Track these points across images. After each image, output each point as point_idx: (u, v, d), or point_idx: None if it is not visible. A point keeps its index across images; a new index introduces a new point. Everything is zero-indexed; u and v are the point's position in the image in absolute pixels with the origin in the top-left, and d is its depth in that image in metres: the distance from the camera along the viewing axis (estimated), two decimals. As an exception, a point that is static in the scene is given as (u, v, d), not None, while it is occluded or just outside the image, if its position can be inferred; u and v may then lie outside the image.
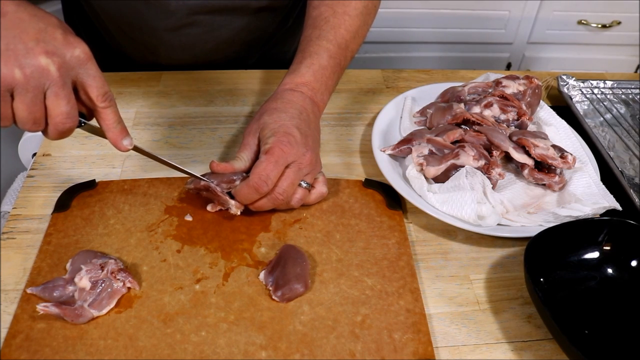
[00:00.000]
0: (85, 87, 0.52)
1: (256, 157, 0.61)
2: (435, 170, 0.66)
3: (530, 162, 0.68)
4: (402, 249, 0.61)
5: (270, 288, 0.56)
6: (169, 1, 0.78)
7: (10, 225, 0.61)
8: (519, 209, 0.66)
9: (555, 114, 0.78)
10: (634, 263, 0.60)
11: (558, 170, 0.69)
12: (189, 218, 0.62)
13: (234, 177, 0.60)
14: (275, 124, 0.61)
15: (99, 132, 0.56)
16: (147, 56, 0.89)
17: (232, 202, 0.60)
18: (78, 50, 0.50)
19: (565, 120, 0.77)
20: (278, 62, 0.96)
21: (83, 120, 0.54)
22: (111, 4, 0.83)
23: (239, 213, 0.61)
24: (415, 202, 0.64)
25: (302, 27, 0.73)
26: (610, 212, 0.65)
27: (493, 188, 0.65)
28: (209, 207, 0.63)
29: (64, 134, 0.53)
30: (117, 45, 0.90)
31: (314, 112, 0.65)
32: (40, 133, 0.53)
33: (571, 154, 0.68)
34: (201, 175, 0.61)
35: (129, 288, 0.55)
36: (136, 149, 0.58)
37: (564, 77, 0.89)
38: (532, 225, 0.63)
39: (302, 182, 0.61)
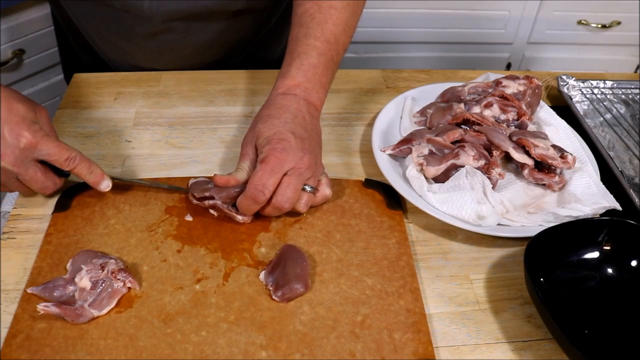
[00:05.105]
0: (48, 161, 0.59)
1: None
2: (435, 170, 0.66)
3: (530, 162, 0.68)
4: (402, 249, 0.61)
5: (271, 288, 0.56)
6: (143, 7, 0.78)
7: (11, 225, 0.61)
8: (519, 209, 0.66)
9: (555, 114, 0.78)
10: (634, 263, 0.60)
11: (558, 170, 0.69)
12: (189, 218, 0.62)
13: (238, 190, 0.60)
14: (270, 131, 0.61)
15: None
16: (128, 60, 0.89)
17: (239, 217, 0.61)
18: (23, 141, 0.56)
19: (565, 120, 0.77)
20: (264, 63, 0.95)
21: (65, 173, 0.61)
22: (89, 9, 0.83)
23: (248, 221, 0.62)
24: (415, 202, 0.64)
25: (288, 27, 0.72)
26: (610, 212, 0.65)
27: (493, 188, 0.65)
28: (212, 211, 0.63)
29: (51, 194, 0.63)
30: (100, 50, 0.91)
31: (310, 112, 0.65)
32: None
33: (571, 154, 0.68)
34: (204, 190, 0.62)
35: (129, 288, 0.55)
36: (117, 182, 0.64)
37: (564, 77, 0.89)
38: (532, 225, 0.63)
39: (305, 187, 0.61)
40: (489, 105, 0.74)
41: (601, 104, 0.87)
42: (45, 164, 0.59)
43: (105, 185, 0.62)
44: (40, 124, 0.59)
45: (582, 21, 1.70)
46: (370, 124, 0.78)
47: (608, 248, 0.61)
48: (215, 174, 0.61)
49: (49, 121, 0.61)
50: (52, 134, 0.60)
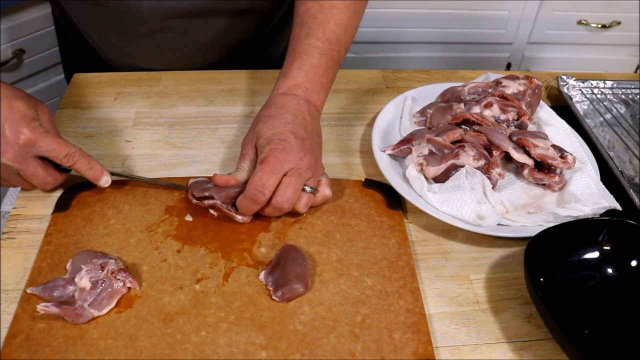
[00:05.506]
0: (48, 157, 0.59)
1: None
2: (435, 170, 0.66)
3: (530, 162, 0.68)
4: (402, 249, 0.61)
5: (271, 288, 0.56)
6: (142, 7, 0.78)
7: (11, 225, 0.61)
8: (519, 209, 0.66)
9: (555, 114, 0.78)
10: (634, 263, 0.60)
11: (558, 170, 0.69)
12: (189, 218, 0.62)
13: (237, 190, 0.60)
14: (270, 131, 0.61)
15: None
16: (129, 61, 0.89)
17: (239, 217, 0.61)
18: (22, 138, 0.57)
19: (565, 120, 0.77)
20: (265, 63, 0.94)
21: (66, 169, 0.62)
22: (88, 10, 0.83)
23: (248, 221, 0.62)
24: (415, 202, 0.64)
25: (289, 27, 0.72)
26: (610, 212, 0.65)
27: (493, 188, 0.65)
28: (211, 210, 0.63)
29: (52, 190, 0.64)
30: (100, 50, 0.91)
31: (310, 113, 0.65)
32: None
33: (571, 154, 0.68)
34: (204, 189, 0.61)
35: (129, 288, 0.55)
36: (117, 178, 0.65)
37: (564, 77, 0.89)
38: (532, 225, 0.63)
39: (305, 187, 0.61)
40: (489, 105, 0.74)
41: (601, 104, 0.87)
42: (46, 160, 0.60)
43: (105, 180, 0.62)
44: (41, 120, 0.59)
45: (582, 21, 1.70)
46: (370, 124, 0.78)
47: (608, 248, 0.61)
48: (215, 174, 0.61)
49: (51, 118, 0.61)
50: (52, 130, 0.60)
